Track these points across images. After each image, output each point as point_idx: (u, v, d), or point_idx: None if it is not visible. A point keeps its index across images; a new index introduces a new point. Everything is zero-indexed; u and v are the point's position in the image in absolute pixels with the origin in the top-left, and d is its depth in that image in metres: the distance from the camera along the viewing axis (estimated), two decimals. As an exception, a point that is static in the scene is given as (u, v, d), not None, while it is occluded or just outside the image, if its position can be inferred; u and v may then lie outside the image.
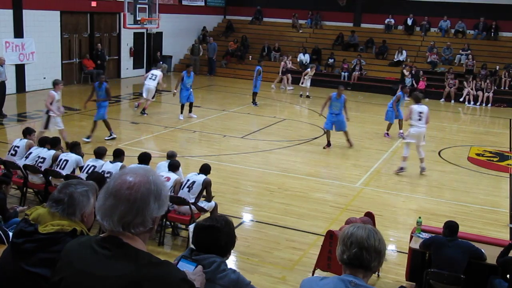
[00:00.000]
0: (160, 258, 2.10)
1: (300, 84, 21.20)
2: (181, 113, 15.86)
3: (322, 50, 25.60)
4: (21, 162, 8.56)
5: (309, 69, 20.88)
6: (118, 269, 2.01)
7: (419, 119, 10.96)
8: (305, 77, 20.65)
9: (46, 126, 11.66)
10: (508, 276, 5.83)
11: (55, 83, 11.77)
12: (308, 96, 20.66)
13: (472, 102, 21.32)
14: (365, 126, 16.14)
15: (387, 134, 14.90)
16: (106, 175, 7.84)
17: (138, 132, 14.14)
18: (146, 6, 21.03)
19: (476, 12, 24.85)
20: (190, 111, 16.06)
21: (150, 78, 16.15)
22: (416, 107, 11.05)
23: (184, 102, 15.83)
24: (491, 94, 21.14)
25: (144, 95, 16.22)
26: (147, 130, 14.45)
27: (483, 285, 5.98)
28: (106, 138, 12.80)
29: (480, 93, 21.20)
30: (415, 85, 21.98)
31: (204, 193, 7.69)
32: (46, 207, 2.70)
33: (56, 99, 11.56)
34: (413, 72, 22.50)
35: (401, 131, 14.59)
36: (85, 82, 21.29)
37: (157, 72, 16.31)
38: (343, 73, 23.75)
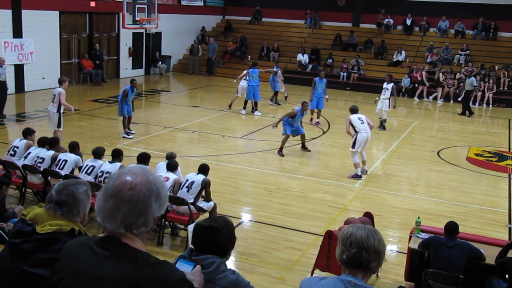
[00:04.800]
0: (159, 258, 2.10)
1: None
2: (244, 108, 17.26)
3: (321, 50, 25.61)
4: (20, 162, 8.56)
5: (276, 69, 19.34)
6: (117, 270, 2.01)
7: (362, 123, 11.14)
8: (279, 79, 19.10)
9: (59, 125, 11.65)
10: (507, 276, 5.83)
11: (62, 81, 11.81)
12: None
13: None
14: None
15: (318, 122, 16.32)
16: (105, 175, 7.86)
17: (137, 132, 14.12)
18: (145, 6, 20.99)
19: (475, 12, 24.85)
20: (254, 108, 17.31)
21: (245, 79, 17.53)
22: (353, 117, 11.18)
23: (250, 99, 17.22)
24: (490, 94, 21.15)
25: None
26: (146, 130, 14.45)
27: (482, 285, 5.98)
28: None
29: (479, 93, 21.20)
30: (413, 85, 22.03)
31: (203, 193, 7.70)
32: (48, 209, 2.68)
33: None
34: (413, 72, 22.52)
35: (318, 120, 16.33)
36: (84, 82, 21.26)
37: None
38: (342, 73, 23.76)
